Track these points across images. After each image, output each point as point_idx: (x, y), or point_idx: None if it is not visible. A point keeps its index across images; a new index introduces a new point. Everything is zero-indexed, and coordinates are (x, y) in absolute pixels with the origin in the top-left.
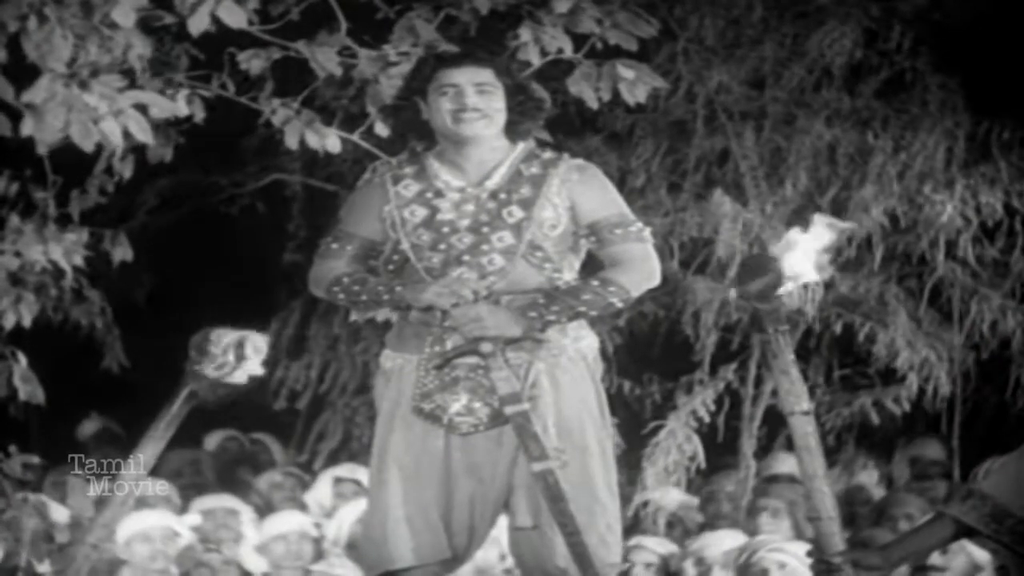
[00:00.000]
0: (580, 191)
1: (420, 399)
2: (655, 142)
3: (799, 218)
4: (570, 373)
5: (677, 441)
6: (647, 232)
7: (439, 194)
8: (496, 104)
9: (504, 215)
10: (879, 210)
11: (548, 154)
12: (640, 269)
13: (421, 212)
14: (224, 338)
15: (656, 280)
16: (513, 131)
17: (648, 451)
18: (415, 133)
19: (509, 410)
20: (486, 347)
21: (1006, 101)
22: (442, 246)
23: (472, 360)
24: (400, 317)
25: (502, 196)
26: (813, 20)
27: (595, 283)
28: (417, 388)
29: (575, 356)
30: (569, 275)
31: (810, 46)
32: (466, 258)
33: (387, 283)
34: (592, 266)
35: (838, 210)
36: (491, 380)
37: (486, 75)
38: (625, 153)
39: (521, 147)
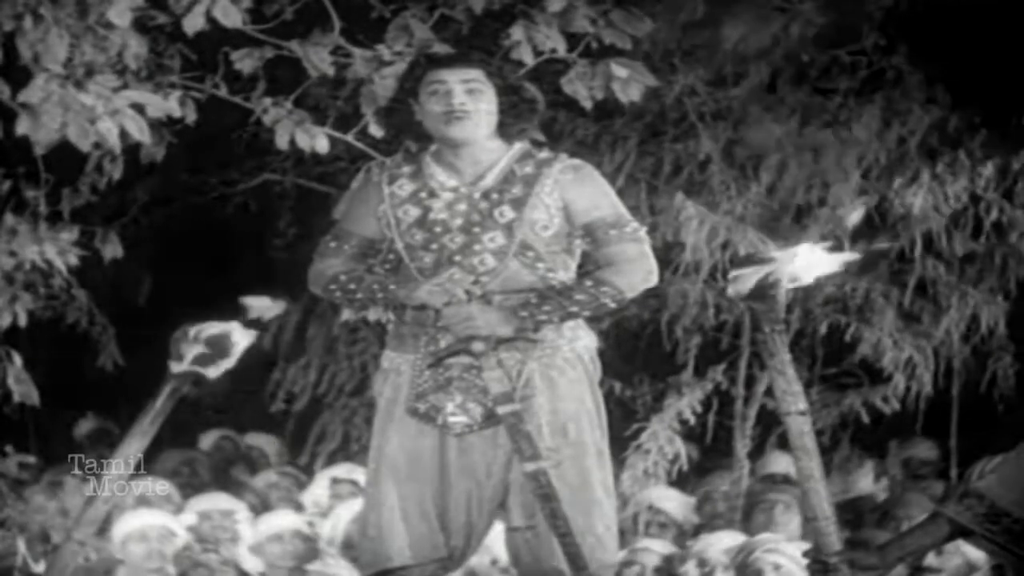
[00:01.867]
0: (574, 191)
1: (415, 399)
2: (629, 145)
3: (771, 219)
4: (566, 373)
5: (658, 443)
6: (643, 232)
7: (433, 194)
8: (485, 105)
9: (496, 215)
10: (851, 208)
11: (543, 154)
12: (635, 270)
13: (414, 212)
14: (201, 332)
15: (653, 281)
16: (507, 132)
17: (628, 454)
18: (410, 134)
19: (501, 410)
20: (478, 346)
21: (974, 93)
22: (434, 246)
23: (466, 360)
24: (397, 317)
25: (494, 196)
26: (763, 20)
27: (588, 283)
28: (412, 388)
29: (571, 356)
30: (564, 275)
31: (760, 45)
32: (458, 258)
33: (382, 281)
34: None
35: (815, 209)
36: (484, 380)
37: (475, 74)
38: (599, 156)
39: (516, 147)
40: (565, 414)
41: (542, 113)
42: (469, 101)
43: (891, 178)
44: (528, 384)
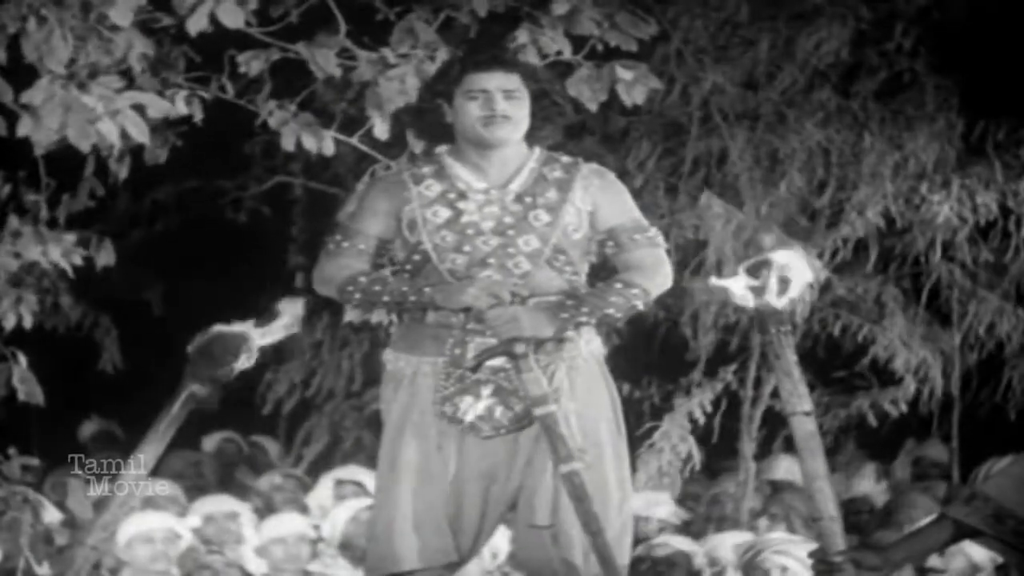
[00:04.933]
0: (601, 196)
1: (441, 402)
2: (651, 144)
3: (794, 221)
4: (585, 375)
5: (671, 442)
6: (661, 237)
7: (462, 196)
8: (523, 111)
9: (530, 219)
10: (875, 211)
11: (566, 158)
12: (657, 273)
13: (444, 213)
14: (219, 334)
15: (669, 284)
16: (532, 136)
17: (642, 452)
18: (427, 135)
19: (538, 412)
20: (519, 348)
21: (1001, 101)
22: (467, 248)
23: (495, 362)
24: (411, 319)
25: (527, 199)
26: (806, 21)
27: (618, 285)
28: (437, 392)
29: (588, 358)
30: (583, 278)
31: (803, 47)
32: (491, 261)
33: (411, 284)
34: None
35: (835, 211)
36: (518, 382)
37: (514, 81)
38: (621, 156)
39: (538, 151)
40: (586, 416)
41: (567, 118)
42: (510, 108)
43: (918, 183)
44: (558, 387)
